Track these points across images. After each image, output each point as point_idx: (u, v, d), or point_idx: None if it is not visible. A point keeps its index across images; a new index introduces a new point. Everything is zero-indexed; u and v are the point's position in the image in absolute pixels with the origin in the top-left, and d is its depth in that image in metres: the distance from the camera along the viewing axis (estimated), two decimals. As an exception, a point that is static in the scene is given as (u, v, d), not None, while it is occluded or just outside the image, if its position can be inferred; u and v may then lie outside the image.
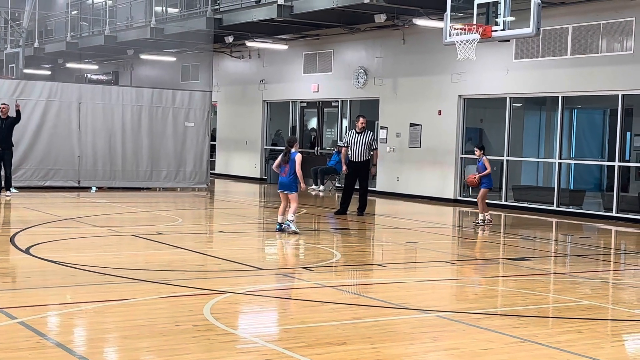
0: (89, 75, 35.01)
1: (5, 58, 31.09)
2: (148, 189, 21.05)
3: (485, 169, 14.87)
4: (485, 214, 14.91)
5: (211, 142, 23.76)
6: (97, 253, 10.40)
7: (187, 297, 7.63)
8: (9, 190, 17.46)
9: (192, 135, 21.65)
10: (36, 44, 30.72)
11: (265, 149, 26.48)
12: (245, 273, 9.17)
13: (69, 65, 33.31)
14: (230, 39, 24.14)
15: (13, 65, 29.87)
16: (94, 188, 20.16)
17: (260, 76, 26.31)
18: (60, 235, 11.76)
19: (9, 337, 5.88)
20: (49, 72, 34.84)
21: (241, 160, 27.13)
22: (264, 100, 26.36)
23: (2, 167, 17.56)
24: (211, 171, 24.09)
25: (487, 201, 15.27)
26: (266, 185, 24.63)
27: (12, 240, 11.04)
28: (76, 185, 20.17)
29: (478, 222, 14.84)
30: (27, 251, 10.06)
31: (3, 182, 17.61)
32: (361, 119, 16.19)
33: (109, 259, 9.76)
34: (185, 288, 7.99)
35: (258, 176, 26.24)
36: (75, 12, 31.79)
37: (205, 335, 6.15)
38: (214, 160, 27.26)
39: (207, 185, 21.90)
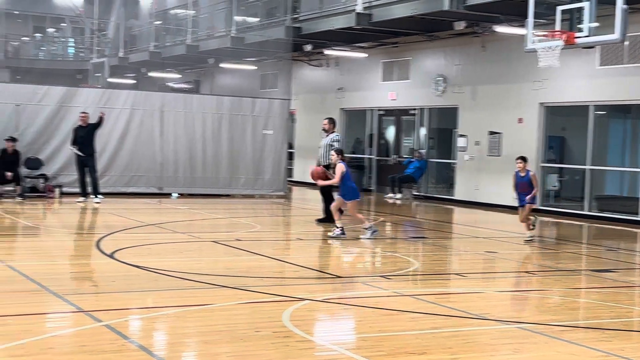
0: (171, 84, 35.75)
1: (91, 67, 32.05)
2: (227, 195, 21.32)
3: (531, 185, 13.36)
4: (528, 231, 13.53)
5: (289, 150, 23.94)
6: (178, 258, 10.58)
7: (266, 304, 7.69)
8: (97, 197, 17.93)
9: (271, 143, 21.85)
10: (121, 54, 31.54)
11: (343, 156, 26.48)
12: (323, 280, 9.19)
13: (152, 74, 34.09)
14: (309, 48, 24.30)
15: (99, 74, 30.78)
16: (175, 194, 20.55)
17: (338, 84, 26.38)
18: (143, 240, 12.01)
19: (95, 340, 6.04)
20: (133, 81, 35.72)
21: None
22: (342, 109, 26.42)
23: (87, 173, 18.05)
24: (289, 178, 24.25)
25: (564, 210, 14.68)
26: (343, 193, 24.62)
27: (97, 244, 11.34)
28: (158, 191, 20.59)
29: (527, 239, 13.45)
30: (111, 256, 10.31)
31: (90, 188, 18.10)
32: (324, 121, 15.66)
33: (189, 265, 9.92)
34: (264, 294, 8.05)
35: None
36: (158, 22, 32.55)
37: (285, 342, 6.19)
38: (292, 168, 27.44)
39: (285, 192, 22.06)
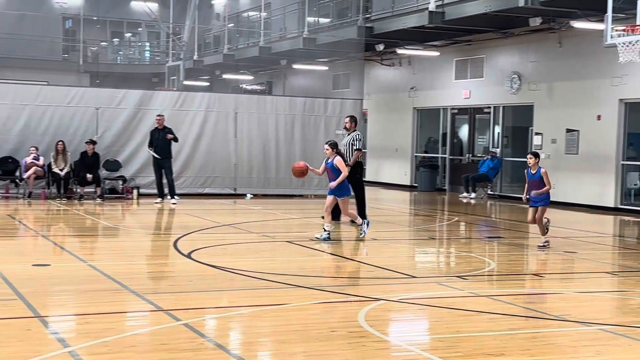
0: (244, 86, 36.15)
1: (167, 71, 32.67)
2: (300, 196, 21.43)
3: (542, 182, 11.84)
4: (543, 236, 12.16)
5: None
6: (253, 258, 10.69)
7: (341, 304, 7.70)
8: (173, 198, 18.26)
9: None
10: (195, 57, 32.04)
11: (416, 156, 26.35)
12: (398, 280, 9.15)
13: (225, 76, 34.53)
14: (381, 47, 24.23)
15: (174, 77, 31.34)
16: (249, 195, 20.75)
17: (411, 83, 26.23)
18: (219, 240, 12.17)
19: (174, 338, 6.14)
20: (207, 84, 36.25)
21: (391, 168, 27.14)
22: (414, 108, 26.26)
23: (164, 175, 18.37)
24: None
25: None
26: (417, 192, 24.51)
27: (175, 245, 11.54)
28: (232, 192, 20.84)
29: (541, 245, 12.14)
30: (188, 256, 10.48)
31: (166, 189, 18.44)
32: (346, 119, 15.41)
33: (264, 265, 10.00)
34: (339, 294, 8.06)
35: (408, 183, 26.14)
36: (231, 25, 32.95)
37: (360, 342, 6.18)
38: (365, 168, 27.41)
39: (358, 192, 22.01)
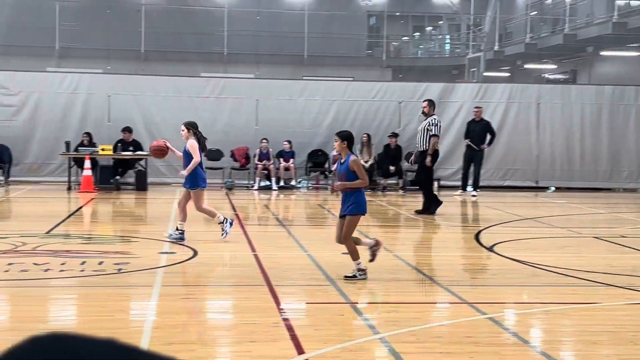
0: (547, 75, 35.06)
1: (467, 63, 32.70)
2: (607, 189, 20.36)
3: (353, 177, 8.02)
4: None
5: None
6: (558, 254, 10.37)
7: (655, 306, 7.22)
8: (475, 190, 18.25)
9: (657, 134, 20.40)
10: (496, 47, 31.69)
11: None
12: None
13: (527, 66, 33.75)
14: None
15: (474, 69, 31.28)
16: (552, 188, 20.13)
17: None
18: (520, 234, 11.97)
19: (478, 331, 6.18)
20: (508, 74, 35.70)
21: None
22: None
23: (472, 166, 18.30)
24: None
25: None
26: None
27: (476, 237, 11.56)
28: (534, 185, 20.35)
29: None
30: (490, 249, 10.44)
31: (470, 181, 18.40)
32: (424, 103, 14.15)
33: (569, 261, 9.66)
34: (654, 296, 7.56)
35: None
36: (534, 12, 32.11)
37: (679, 349, 5.76)
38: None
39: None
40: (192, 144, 10.31)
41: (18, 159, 18.93)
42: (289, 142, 19.34)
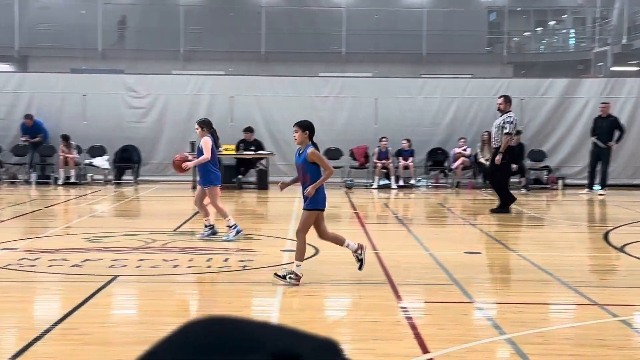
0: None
1: (593, 57, 31.61)
2: None
3: (314, 170, 7.60)
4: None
5: None
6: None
7: None
8: (602, 189, 17.60)
9: None
10: (624, 41, 30.48)
11: None
12: None
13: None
14: None
15: (601, 64, 30.21)
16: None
17: None
18: (653, 234, 11.46)
19: (610, 334, 5.95)
20: (637, 68, 34.26)
21: None
22: None
23: (599, 164, 17.66)
24: None
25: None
26: None
27: (605, 237, 11.14)
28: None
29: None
30: (621, 249, 10.04)
31: (597, 179, 17.76)
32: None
33: None
34: None
35: None
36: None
37: None
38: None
39: None
40: (206, 141, 10.33)
41: (146, 159, 19.65)
42: (408, 140, 19.24)
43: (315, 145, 7.62)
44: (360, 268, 7.81)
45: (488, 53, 34.57)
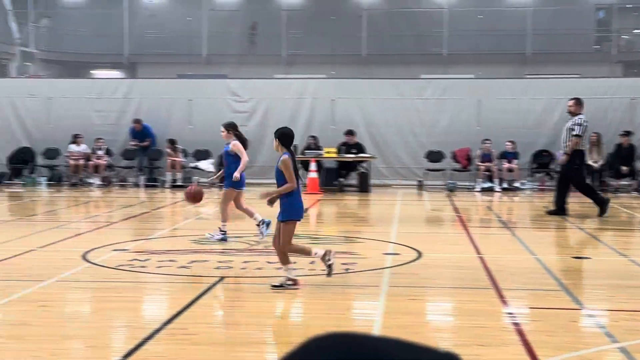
0: None
1: None
2: None
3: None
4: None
5: None
6: None
7: None
8: None
9: None
10: None
11: None
12: None
13: None
14: None
15: None
16: None
17: None
18: None
19: None
20: None
21: None
22: None
23: None
24: None
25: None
26: None
27: None
28: None
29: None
30: None
31: None
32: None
33: None
34: None
35: None
36: None
37: None
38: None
39: None
40: (237, 145, 10.45)
41: (249, 162, 19.91)
42: (512, 142, 18.87)
43: (291, 152, 7.56)
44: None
45: (596, 52, 33.58)
